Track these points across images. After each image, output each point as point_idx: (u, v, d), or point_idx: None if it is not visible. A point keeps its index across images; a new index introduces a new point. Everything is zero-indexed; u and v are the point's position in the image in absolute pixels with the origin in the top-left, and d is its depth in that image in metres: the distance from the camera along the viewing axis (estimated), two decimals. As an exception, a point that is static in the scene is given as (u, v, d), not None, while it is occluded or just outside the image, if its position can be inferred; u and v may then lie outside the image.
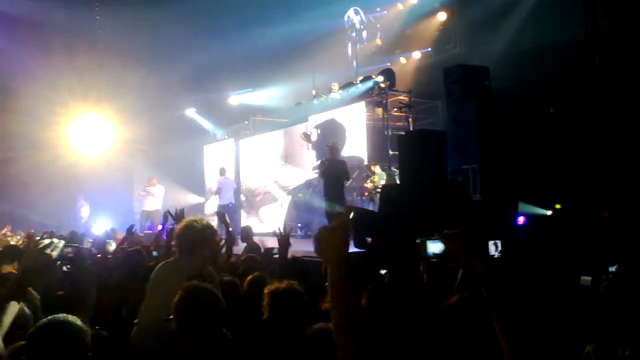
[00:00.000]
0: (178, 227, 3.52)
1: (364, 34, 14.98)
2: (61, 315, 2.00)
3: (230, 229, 5.34)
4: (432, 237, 2.27)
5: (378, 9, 15.05)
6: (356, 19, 15.06)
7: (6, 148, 15.06)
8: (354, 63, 14.34)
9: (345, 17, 15.18)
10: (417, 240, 2.34)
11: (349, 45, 15.18)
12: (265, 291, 2.88)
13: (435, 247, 2.28)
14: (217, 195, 12.44)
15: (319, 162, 9.49)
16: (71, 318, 1.99)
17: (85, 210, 14.92)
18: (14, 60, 15.07)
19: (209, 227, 3.40)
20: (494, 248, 2.96)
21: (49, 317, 2.00)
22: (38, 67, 15.33)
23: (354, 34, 15.14)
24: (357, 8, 14.98)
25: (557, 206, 7.26)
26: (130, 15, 15.03)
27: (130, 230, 6.34)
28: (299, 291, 2.84)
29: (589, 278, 3.51)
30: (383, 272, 4.01)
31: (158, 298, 3.14)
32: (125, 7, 14.92)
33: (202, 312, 2.34)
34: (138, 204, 14.99)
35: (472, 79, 7.56)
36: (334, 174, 8.30)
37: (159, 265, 3.48)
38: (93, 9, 15.54)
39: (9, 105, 15.18)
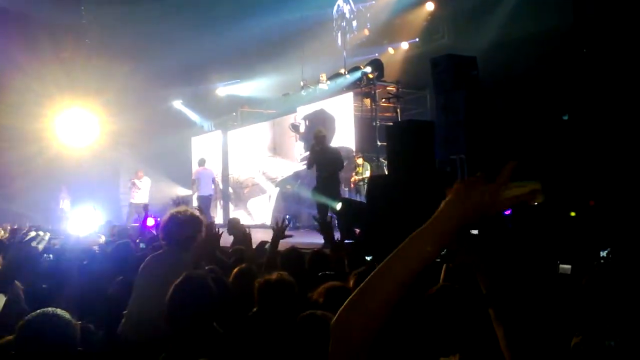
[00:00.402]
0: (162, 219, 3.49)
1: (354, 23, 14.93)
2: (50, 309, 1.98)
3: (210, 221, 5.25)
4: None
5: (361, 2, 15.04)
6: (346, 8, 15.01)
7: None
8: (344, 53, 14.33)
9: (335, 7, 15.12)
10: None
11: (339, 35, 15.13)
12: (256, 283, 2.83)
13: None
14: (195, 186, 12.34)
15: (307, 153, 9.37)
16: (60, 312, 1.97)
17: (66, 204, 14.76)
18: (0, 53, 14.88)
19: (193, 217, 3.38)
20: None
21: (38, 311, 1.98)
22: (24, 60, 15.13)
23: (343, 24, 15.09)
24: None
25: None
26: (116, 8, 14.89)
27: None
28: (289, 282, 2.79)
29: (569, 266, 3.54)
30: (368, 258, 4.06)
31: (147, 289, 3.15)
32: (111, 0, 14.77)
33: (192, 303, 2.32)
34: (124, 197, 14.90)
35: (459, 69, 7.57)
36: (324, 162, 7.88)
37: (149, 257, 3.47)
38: (79, 2, 15.33)
39: (-6, 97, 15.00)
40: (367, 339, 1.11)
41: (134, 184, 13.12)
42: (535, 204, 1.19)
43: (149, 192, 13.29)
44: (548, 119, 8.24)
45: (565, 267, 3.56)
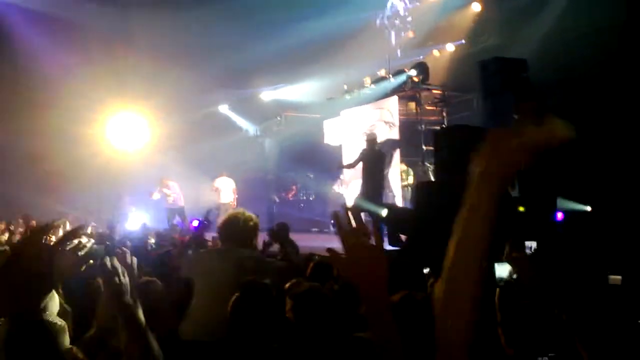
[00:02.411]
0: (222, 219, 3.74)
1: (409, 19, 14.76)
2: None
3: None
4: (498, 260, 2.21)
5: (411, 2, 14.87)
6: (400, 5, 14.87)
7: (45, 144, 15.46)
8: (398, 52, 14.19)
9: (388, 5, 15.01)
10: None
11: (392, 34, 15.03)
12: (287, 296, 2.76)
13: (503, 271, 2.19)
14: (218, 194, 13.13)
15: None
16: None
17: (128, 207, 15.23)
18: (53, 59, 15.46)
19: (251, 218, 3.65)
20: (528, 250, 2.89)
21: None
22: (76, 65, 15.70)
23: (397, 21, 14.96)
24: None
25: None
26: (165, 15, 15.24)
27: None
28: (323, 292, 2.75)
29: (619, 277, 3.41)
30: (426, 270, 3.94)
31: (209, 290, 3.24)
32: (160, 7, 15.13)
33: (253, 310, 2.36)
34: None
35: (509, 72, 7.39)
36: (371, 163, 8.17)
37: (205, 253, 3.62)
38: (130, 9, 15.80)
39: (49, 102, 15.57)
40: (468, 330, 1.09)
41: (163, 192, 13.37)
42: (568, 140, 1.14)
43: (181, 195, 13.49)
44: (604, 122, 7.93)
45: (616, 277, 3.44)
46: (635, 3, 7.31)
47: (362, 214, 6.87)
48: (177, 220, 12.99)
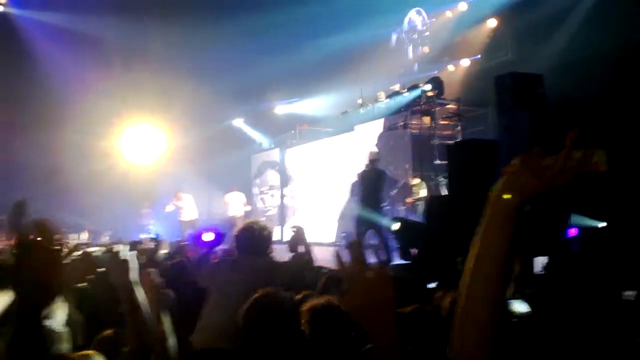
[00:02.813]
0: (237, 229, 3.81)
1: (427, 34, 14.84)
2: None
3: None
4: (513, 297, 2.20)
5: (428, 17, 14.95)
6: (418, 20, 14.96)
7: (62, 157, 15.67)
8: (415, 66, 14.24)
9: (406, 20, 15.09)
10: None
11: (410, 48, 15.08)
12: (304, 308, 2.68)
13: (520, 307, 2.16)
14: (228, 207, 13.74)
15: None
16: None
17: (148, 218, 15.41)
18: (71, 73, 15.72)
19: (266, 228, 3.78)
20: (540, 265, 2.86)
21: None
22: (93, 79, 15.95)
23: (415, 36, 15.03)
24: (419, 9, 14.87)
25: None
26: (182, 30, 15.47)
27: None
28: (338, 307, 2.72)
29: (633, 292, 3.37)
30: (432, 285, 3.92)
31: (223, 299, 3.27)
32: (177, 23, 15.37)
33: (267, 320, 2.36)
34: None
35: (524, 88, 7.34)
36: (371, 182, 8.39)
37: (221, 262, 3.67)
38: (148, 24, 16.07)
39: (67, 116, 15.82)
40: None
41: (177, 205, 13.66)
42: (600, 171, 1.12)
43: (195, 208, 13.69)
44: (621, 139, 7.85)
45: (629, 293, 3.41)
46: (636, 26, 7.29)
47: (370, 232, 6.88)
48: (189, 233, 13.07)
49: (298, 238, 4.10)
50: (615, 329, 2.66)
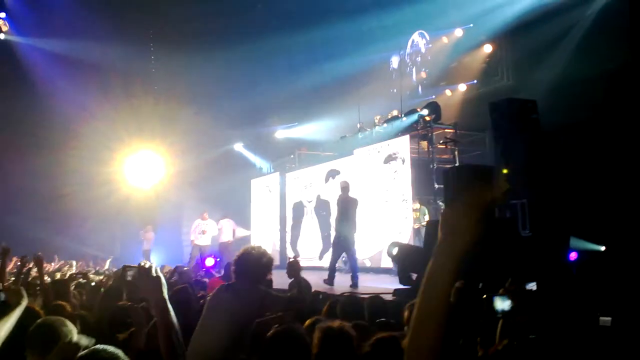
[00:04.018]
0: (236, 254, 3.78)
1: (429, 57, 15.07)
2: (100, 346, 2.01)
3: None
4: (497, 293, 2.27)
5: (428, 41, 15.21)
6: (421, 43, 15.19)
7: (65, 184, 15.76)
8: (419, 89, 14.44)
9: (409, 42, 15.33)
10: (483, 296, 2.33)
11: (414, 70, 15.29)
12: (317, 330, 2.75)
13: (503, 303, 2.24)
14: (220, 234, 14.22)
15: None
16: (110, 349, 1.98)
17: (148, 243, 15.51)
18: (72, 99, 15.91)
19: (265, 254, 3.71)
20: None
21: (90, 349, 2.04)
22: (95, 105, 16.13)
23: (418, 59, 15.24)
24: (422, 31, 15.12)
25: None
26: (183, 56, 15.69)
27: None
28: (350, 334, 2.74)
29: (609, 319, 3.42)
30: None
31: (213, 323, 3.29)
32: (178, 49, 15.60)
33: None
34: (187, 237, 15.43)
35: (519, 113, 7.45)
36: (343, 209, 9.17)
37: (221, 288, 3.66)
38: (149, 51, 16.31)
39: (67, 141, 15.97)
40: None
41: (202, 230, 14.03)
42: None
43: (211, 235, 13.91)
44: (614, 163, 7.94)
45: (605, 319, 3.45)
46: (629, 51, 7.45)
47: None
48: (200, 257, 13.27)
49: (292, 272, 4.08)
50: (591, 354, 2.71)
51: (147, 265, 2.15)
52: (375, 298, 4.47)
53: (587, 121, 8.84)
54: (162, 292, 2.10)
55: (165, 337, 2.07)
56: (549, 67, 10.72)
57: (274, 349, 2.40)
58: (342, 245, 9.05)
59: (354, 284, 8.37)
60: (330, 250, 9.85)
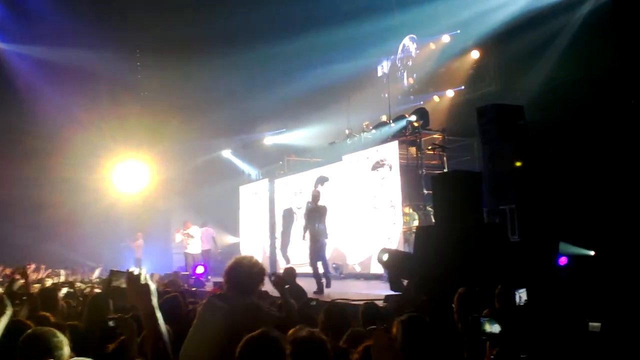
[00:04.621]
0: (227, 264, 3.64)
1: (419, 61, 15.16)
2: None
3: None
4: (485, 316, 2.27)
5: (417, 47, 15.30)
6: (412, 47, 15.25)
7: (52, 192, 15.62)
8: (410, 93, 14.51)
9: (400, 47, 15.39)
10: (470, 317, 2.32)
11: (405, 74, 15.34)
12: (288, 339, 2.72)
13: (491, 327, 2.23)
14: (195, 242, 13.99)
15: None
16: None
17: (139, 251, 15.37)
18: (59, 107, 15.80)
19: (257, 264, 3.59)
20: (518, 298, 2.91)
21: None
22: (82, 113, 16.02)
23: (410, 63, 15.29)
24: (413, 36, 15.18)
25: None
26: (170, 63, 15.64)
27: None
28: (321, 340, 2.70)
29: (598, 324, 3.42)
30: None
31: (200, 333, 3.24)
32: (166, 57, 15.55)
33: None
34: (175, 245, 15.31)
35: (506, 119, 7.51)
36: (315, 217, 9.72)
37: (211, 297, 3.58)
38: (135, 58, 16.24)
39: (54, 149, 15.84)
40: None
41: (188, 234, 13.69)
42: None
43: (200, 241, 13.78)
44: (602, 168, 8.00)
45: (595, 324, 3.46)
46: (622, 54, 7.53)
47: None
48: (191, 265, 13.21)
49: (277, 286, 3.99)
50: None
51: (135, 272, 2.09)
52: (370, 304, 4.48)
53: (574, 126, 8.92)
54: (151, 300, 2.05)
55: (153, 345, 2.03)
56: (536, 73, 10.81)
57: (248, 354, 2.34)
58: (313, 252, 9.55)
59: (326, 285, 9.12)
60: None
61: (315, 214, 9.79)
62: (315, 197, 10.09)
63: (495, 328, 2.22)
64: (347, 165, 12.76)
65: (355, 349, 2.79)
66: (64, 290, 7.68)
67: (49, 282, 8.62)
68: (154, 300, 2.07)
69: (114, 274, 2.27)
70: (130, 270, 2.13)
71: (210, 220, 15.54)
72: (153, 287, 2.09)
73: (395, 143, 11.63)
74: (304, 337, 2.65)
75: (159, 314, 2.07)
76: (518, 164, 7.03)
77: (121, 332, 3.38)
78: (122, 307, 4.32)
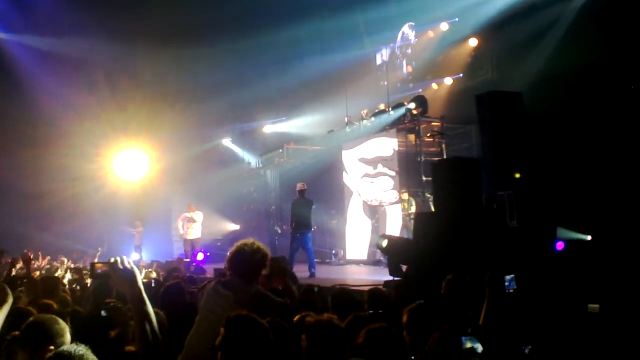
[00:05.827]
0: (230, 250, 3.62)
1: (415, 51, 15.17)
2: (65, 348, 2.00)
3: None
4: (467, 334, 2.30)
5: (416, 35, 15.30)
6: (411, 34, 15.26)
7: (50, 180, 15.66)
8: (410, 84, 14.57)
9: (400, 34, 15.40)
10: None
11: (404, 62, 15.37)
12: (305, 324, 2.74)
13: (474, 345, 2.21)
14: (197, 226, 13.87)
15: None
16: (77, 350, 1.95)
17: (138, 238, 15.39)
18: (57, 96, 15.78)
19: (260, 250, 3.55)
20: (507, 283, 2.94)
21: (54, 351, 2.03)
22: (81, 102, 16.01)
23: (409, 51, 15.32)
24: (412, 23, 15.18)
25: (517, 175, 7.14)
26: (169, 52, 15.61)
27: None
28: (338, 325, 2.72)
29: (597, 305, 3.48)
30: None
31: (206, 321, 3.26)
32: (165, 45, 15.51)
33: (249, 345, 2.33)
34: (176, 232, 15.36)
35: (504, 105, 7.57)
36: (300, 209, 10.35)
37: (214, 283, 3.54)
38: (134, 47, 16.18)
39: (54, 139, 15.85)
40: None
41: (190, 218, 13.54)
42: None
43: (201, 227, 13.79)
44: (598, 154, 8.09)
45: (594, 306, 3.50)
46: (611, 44, 7.61)
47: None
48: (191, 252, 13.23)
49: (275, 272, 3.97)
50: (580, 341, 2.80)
51: (115, 260, 2.13)
52: (375, 290, 4.61)
53: (572, 113, 8.99)
54: (136, 282, 2.08)
55: (139, 326, 2.05)
56: (534, 61, 10.84)
57: (231, 334, 2.36)
58: (298, 242, 10.14)
59: (312, 274, 9.48)
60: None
61: (301, 207, 10.34)
62: (301, 191, 10.58)
63: (478, 347, 2.19)
64: (347, 152, 12.86)
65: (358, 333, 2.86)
66: (69, 275, 7.81)
67: (58, 271, 8.71)
68: (139, 283, 2.10)
69: (95, 265, 2.28)
70: (111, 260, 2.16)
71: (211, 208, 15.61)
72: (137, 270, 2.12)
73: (394, 131, 11.73)
74: (322, 322, 2.66)
75: (145, 296, 2.09)
76: (517, 175, 7.09)
77: (114, 319, 3.41)
78: (124, 294, 4.37)
